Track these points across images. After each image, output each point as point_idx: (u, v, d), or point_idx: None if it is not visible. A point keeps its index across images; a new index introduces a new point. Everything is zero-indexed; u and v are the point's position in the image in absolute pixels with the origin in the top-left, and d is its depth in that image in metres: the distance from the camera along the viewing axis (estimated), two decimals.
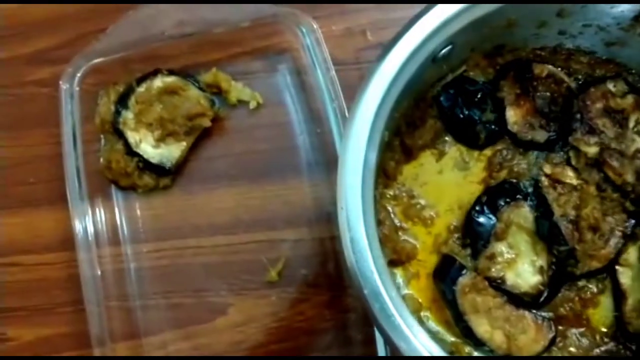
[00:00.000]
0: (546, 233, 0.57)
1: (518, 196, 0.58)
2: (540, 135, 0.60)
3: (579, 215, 0.56)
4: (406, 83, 0.51)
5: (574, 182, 0.58)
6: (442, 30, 0.50)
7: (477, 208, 0.58)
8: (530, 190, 0.59)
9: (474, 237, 0.58)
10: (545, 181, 0.59)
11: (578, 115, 0.59)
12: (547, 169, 0.59)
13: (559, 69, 0.61)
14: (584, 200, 0.57)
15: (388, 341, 0.47)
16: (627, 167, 0.57)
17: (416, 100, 0.60)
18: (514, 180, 0.59)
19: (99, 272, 0.66)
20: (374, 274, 0.47)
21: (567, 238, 0.56)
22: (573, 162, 0.59)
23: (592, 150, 0.58)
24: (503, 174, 0.60)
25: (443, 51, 0.53)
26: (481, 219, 0.58)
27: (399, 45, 0.50)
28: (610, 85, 0.59)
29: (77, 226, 0.66)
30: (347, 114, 0.63)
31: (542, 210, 0.57)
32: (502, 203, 0.58)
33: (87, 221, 0.67)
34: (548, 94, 0.60)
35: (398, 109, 0.54)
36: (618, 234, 0.57)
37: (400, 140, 0.61)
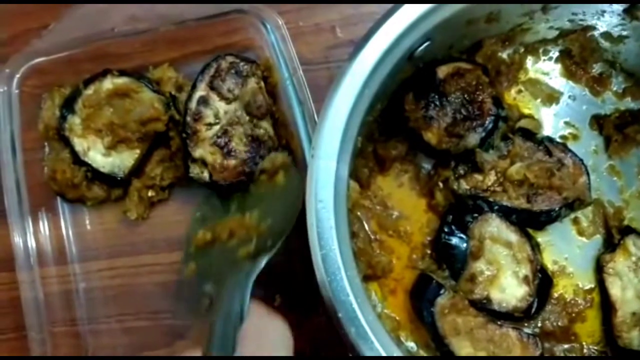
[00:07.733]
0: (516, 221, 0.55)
1: (484, 208, 0.55)
2: (473, 138, 0.55)
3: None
4: (380, 84, 0.47)
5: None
6: (419, 25, 0.46)
7: (446, 229, 0.55)
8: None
9: (449, 261, 0.55)
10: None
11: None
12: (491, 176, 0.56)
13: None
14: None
15: None
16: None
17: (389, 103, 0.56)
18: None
19: (42, 295, 0.61)
20: (349, 296, 0.44)
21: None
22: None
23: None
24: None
25: (420, 48, 0.48)
26: (453, 241, 0.55)
27: (372, 42, 0.45)
28: None
29: (17, 244, 0.61)
30: (316, 118, 0.58)
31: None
32: (470, 219, 0.55)
33: (28, 238, 0.62)
34: (459, 94, 0.55)
35: (371, 112, 0.50)
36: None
37: (373, 148, 0.57)
